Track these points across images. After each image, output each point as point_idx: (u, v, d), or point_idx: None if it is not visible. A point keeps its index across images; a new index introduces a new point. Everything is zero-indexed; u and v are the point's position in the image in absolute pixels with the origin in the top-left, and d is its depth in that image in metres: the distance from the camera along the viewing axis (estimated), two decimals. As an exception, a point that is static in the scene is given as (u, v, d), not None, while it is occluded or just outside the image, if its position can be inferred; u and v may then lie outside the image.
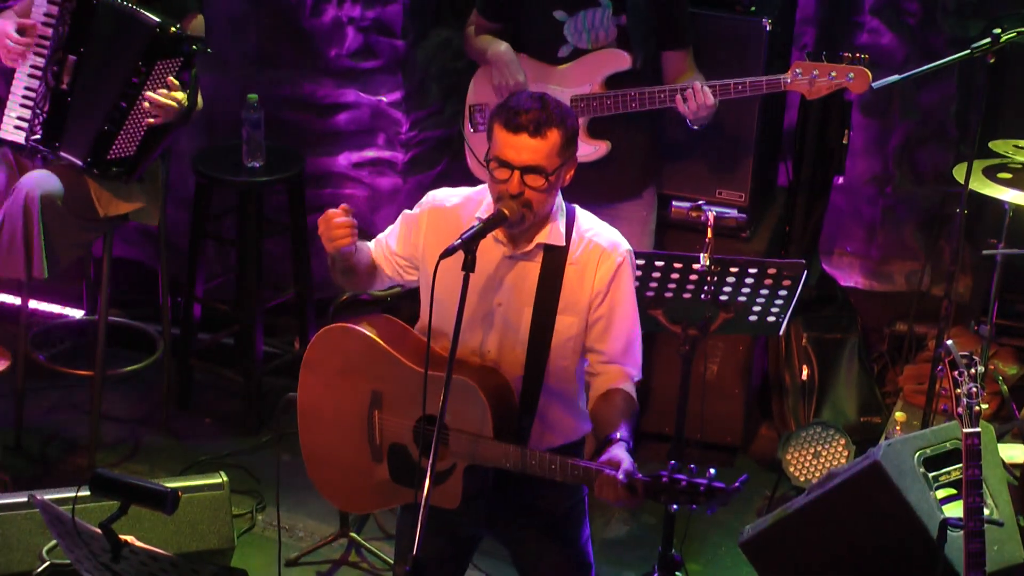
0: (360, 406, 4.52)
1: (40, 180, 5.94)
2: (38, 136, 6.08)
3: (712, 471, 3.97)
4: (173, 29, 5.99)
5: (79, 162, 6.07)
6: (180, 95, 6.01)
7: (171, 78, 6.00)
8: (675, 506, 4.03)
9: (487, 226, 4.24)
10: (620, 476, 4.05)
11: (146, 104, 5.99)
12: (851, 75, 5.68)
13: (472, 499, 4.41)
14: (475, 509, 4.48)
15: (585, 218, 4.44)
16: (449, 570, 4.68)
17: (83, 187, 6.09)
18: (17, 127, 6.11)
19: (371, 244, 4.65)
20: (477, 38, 6.09)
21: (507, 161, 4.25)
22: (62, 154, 6.07)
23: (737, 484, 3.97)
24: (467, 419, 4.32)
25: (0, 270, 5.95)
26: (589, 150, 5.96)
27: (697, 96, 5.76)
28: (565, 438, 4.48)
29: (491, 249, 4.38)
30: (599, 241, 4.38)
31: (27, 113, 6.10)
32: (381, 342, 4.47)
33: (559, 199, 4.40)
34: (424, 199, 4.54)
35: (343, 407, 4.55)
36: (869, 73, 5.66)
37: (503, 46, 5.98)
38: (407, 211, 4.58)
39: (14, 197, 5.88)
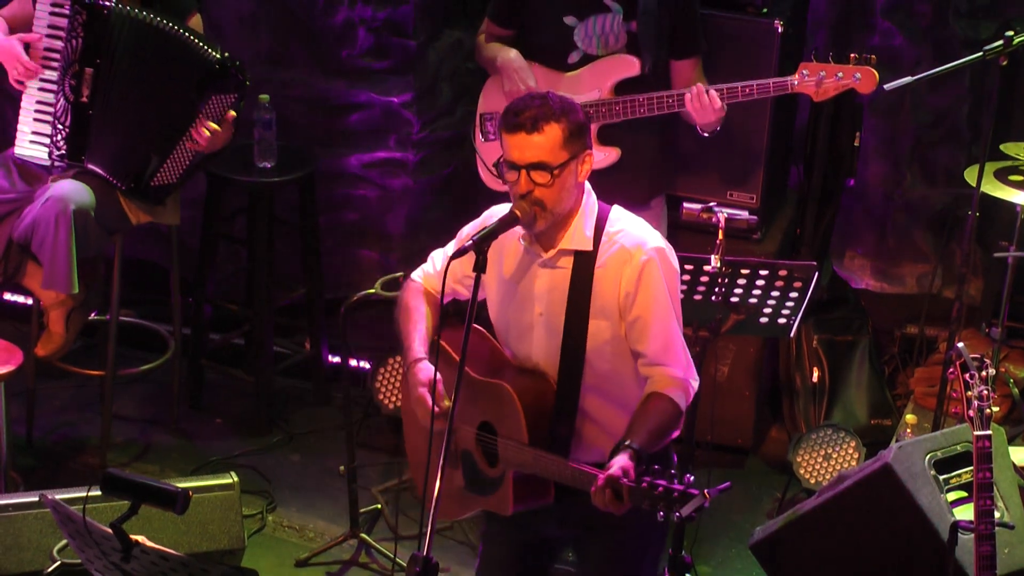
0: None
1: (72, 193, 5.93)
2: (63, 151, 6.07)
3: (690, 478, 3.94)
4: (231, 64, 5.98)
5: (120, 185, 6.08)
6: (230, 128, 6.03)
7: (229, 113, 6.02)
8: (661, 514, 3.96)
9: (499, 227, 4.25)
10: (600, 480, 4.05)
11: (196, 135, 6.00)
12: (858, 75, 5.68)
13: (524, 506, 4.39)
14: (545, 512, 4.46)
15: (617, 219, 4.39)
16: (530, 567, 4.68)
17: (113, 196, 6.10)
18: (34, 142, 6.10)
19: (427, 275, 4.62)
20: (487, 46, 6.09)
21: (512, 161, 4.25)
22: (89, 167, 6.07)
23: (709, 491, 3.90)
24: (509, 424, 4.34)
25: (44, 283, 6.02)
26: (599, 156, 5.94)
27: (702, 98, 5.75)
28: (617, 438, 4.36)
29: (524, 259, 4.39)
30: (624, 242, 4.33)
31: (45, 128, 6.08)
32: (450, 350, 4.48)
33: (590, 200, 4.38)
34: (484, 215, 4.51)
35: (425, 416, 4.54)
36: (876, 73, 5.66)
37: (512, 53, 5.98)
38: (466, 229, 4.53)
39: (45, 208, 5.88)
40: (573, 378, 4.36)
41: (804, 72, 5.71)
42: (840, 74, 5.68)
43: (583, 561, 4.64)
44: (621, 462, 4.08)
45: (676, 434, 4.37)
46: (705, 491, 3.90)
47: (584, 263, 4.33)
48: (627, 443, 4.14)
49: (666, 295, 4.33)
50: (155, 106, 6.06)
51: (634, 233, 4.36)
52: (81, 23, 5.99)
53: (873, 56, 5.69)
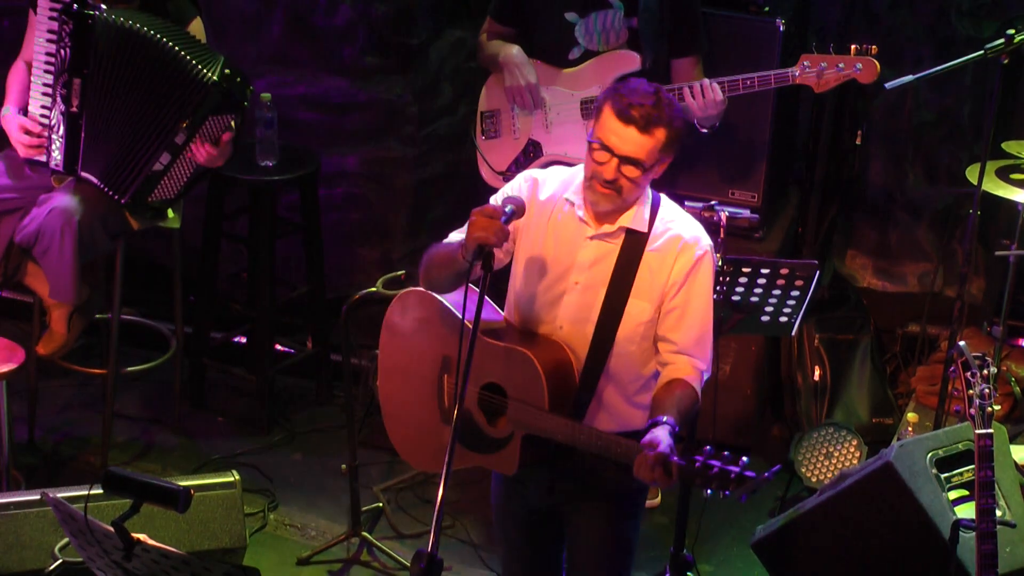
0: (431, 369, 4.62)
1: (77, 204, 5.91)
2: (57, 161, 6.03)
3: (745, 459, 4.02)
4: (228, 85, 5.91)
5: (116, 197, 6.03)
6: (229, 146, 6.01)
7: (225, 135, 5.98)
8: (708, 491, 4.05)
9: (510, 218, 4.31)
10: (652, 456, 4.09)
11: (194, 155, 5.97)
12: (859, 66, 5.68)
13: (530, 466, 4.47)
14: (538, 478, 4.53)
15: (669, 208, 4.48)
16: (537, 540, 4.74)
17: (115, 204, 6.07)
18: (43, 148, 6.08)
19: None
20: (489, 43, 6.10)
21: (609, 147, 4.30)
22: (83, 175, 6.03)
23: (767, 474, 4.01)
24: (526, 390, 4.39)
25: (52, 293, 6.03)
26: None
27: (706, 92, 5.76)
28: (618, 426, 4.46)
29: (572, 228, 4.44)
30: (681, 232, 4.42)
31: (45, 131, 6.06)
32: (453, 309, 4.54)
33: (648, 186, 4.44)
34: (526, 177, 4.52)
35: (417, 368, 4.66)
36: (877, 63, 5.67)
37: (514, 48, 5.99)
38: (510, 190, 4.52)
39: (51, 218, 5.86)
40: (602, 353, 4.42)
41: (805, 64, 5.71)
42: (841, 65, 5.69)
43: (571, 527, 4.68)
44: (667, 439, 4.14)
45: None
46: (764, 474, 3.98)
47: (635, 243, 4.40)
48: (665, 420, 4.21)
49: (710, 292, 4.44)
50: (149, 121, 5.97)
51: (690, 226, 4.45)
52: (68, 32, 5.90)
53: (874, 47, 5.69)
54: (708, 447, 4.08)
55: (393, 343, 4.76)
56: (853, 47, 5.70)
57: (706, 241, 4.44)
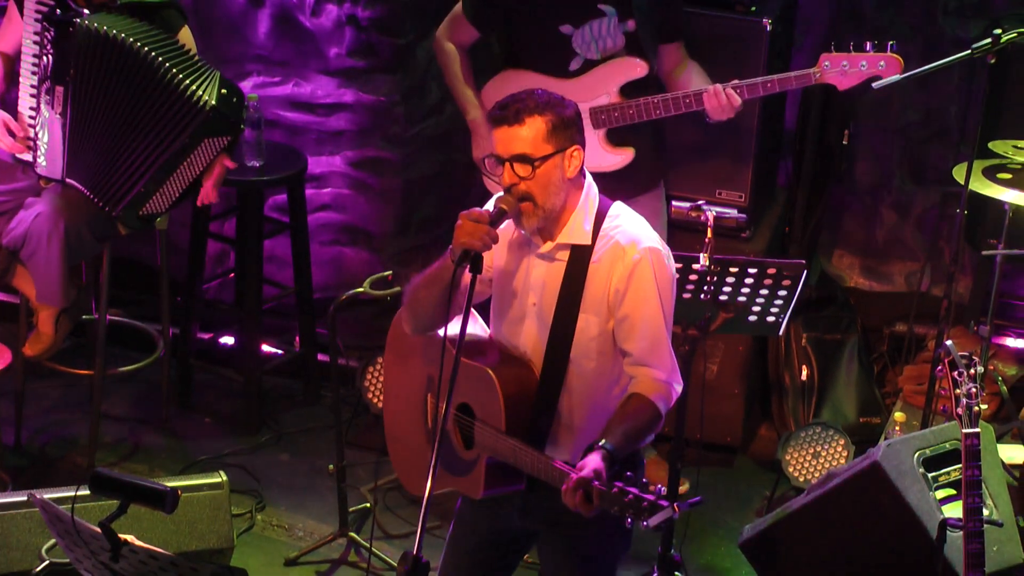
0: (419, 389, 4.58)
1: (63, 208, 5.90)
2: (44, 165, 6.02)
3: (661, 488, 3.92)
4: (223, 109, 5.86)
5: (105, 207, 6.00)
6: (223, 168, 6.00)
7: (223, 161, 5.97)
8: (629, 520, 3.94)
9: (493, 222, 4.25)
10: (572, 480, 4.04)
11: (187, 173, 5.94)
12: (882, 63, 5.68)
13: (495, 491, 4.40)
14: (510, 502, 4.46)
15: (616, 215, 4.37)
16: (494, 558, 4.66)
17: (103, 209, 6.05)
18: (29, 147, 6.06)
19: None
20: (454, 76, 6.03)
21: (497, 155, 4.26)
22: (69, 182, 6.01)
23: (679, 504, 3.88)
24: (487, 409, 4.34)
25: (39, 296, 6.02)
26: (616, 159, 5.95)
27: (720, 97, 5.75)
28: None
29: (523, 248, 4.40)
30: (618, 238, 4.31)
31: (31, 132, 6.05)
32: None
33: (591, 194, 4.36)
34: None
35: (408, 389, 4.62)
36: (900, 59, 5.66)
37: (479, 113, 5.97)
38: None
39: (37, 223, 5.84)
40: (557, 372, 4.35)
41: (826, 63, 5.70)
42: (864, 64, 5.68)
43: (542, 556, 4.62)
44: (594, 463, 4.06)
45: (651, 438, 4.37)
46: (675, 504, 3.88)
47: (580, 257, 4.32)
48: (601, 443, 4.12)
49: (656, 296, 4.31)
50: (141, 138, 5.93)
51: (630, 230, 4.34)
52: (50, 39, 5.87)
53: (894, 41, 5.69)
54: (629, 473, 3.99)
55: (391, 364, 4.73)
56: (868, 44, 5.69)
57: (645, 243, 4.30)
